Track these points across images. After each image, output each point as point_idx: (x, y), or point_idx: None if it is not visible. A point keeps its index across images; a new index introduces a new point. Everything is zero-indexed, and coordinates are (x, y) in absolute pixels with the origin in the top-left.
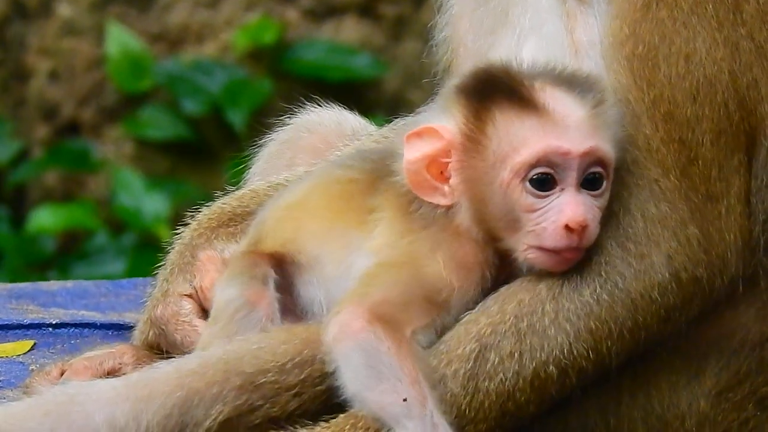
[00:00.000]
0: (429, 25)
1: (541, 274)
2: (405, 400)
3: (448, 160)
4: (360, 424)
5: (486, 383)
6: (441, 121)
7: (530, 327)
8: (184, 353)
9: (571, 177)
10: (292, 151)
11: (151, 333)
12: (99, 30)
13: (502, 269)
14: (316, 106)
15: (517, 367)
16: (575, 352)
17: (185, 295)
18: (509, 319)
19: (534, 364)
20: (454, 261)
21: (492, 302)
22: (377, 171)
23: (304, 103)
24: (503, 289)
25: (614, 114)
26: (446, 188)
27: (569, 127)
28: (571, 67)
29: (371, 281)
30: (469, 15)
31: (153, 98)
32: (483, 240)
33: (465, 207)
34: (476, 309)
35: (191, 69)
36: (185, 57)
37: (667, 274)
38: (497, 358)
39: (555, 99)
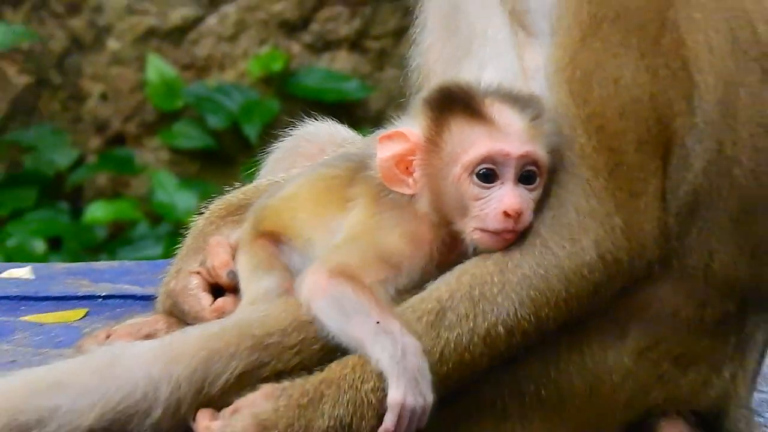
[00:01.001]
0: (406, 56)
1: (490, 254)
2: (378, 323)
3: (413, 157)
4: (348, 363)
5: (446, 334)
6: (409, 127)
7: (482, 294)
8: (193, 319)
9: (510, 173)
10: (293, 157)
11: (167, 303)
12: (141, 60)
13: (453, 248)
14: (315, 121)
15: (471, 325)
16: (519, 316)
17: (194, 272)
18: (464, 287)
19: (486, 325)
20: (410, 235)
21: (449, 275)
22: (355, 168)
23: (306, 119)
24: (459, 266)
25: (550, 126)
26: (410, 180)
27: (510, 134)
28: (520, 88)
29: (334, 251)
30: (438, 47)
31: (184, 115)
32: (438, 223)
33: (425, 196)
34: (437, 281)
35: (215, 91)
36: (210, 82)
37: (595, 256)
38: (455, 317)
39: (500, 112)
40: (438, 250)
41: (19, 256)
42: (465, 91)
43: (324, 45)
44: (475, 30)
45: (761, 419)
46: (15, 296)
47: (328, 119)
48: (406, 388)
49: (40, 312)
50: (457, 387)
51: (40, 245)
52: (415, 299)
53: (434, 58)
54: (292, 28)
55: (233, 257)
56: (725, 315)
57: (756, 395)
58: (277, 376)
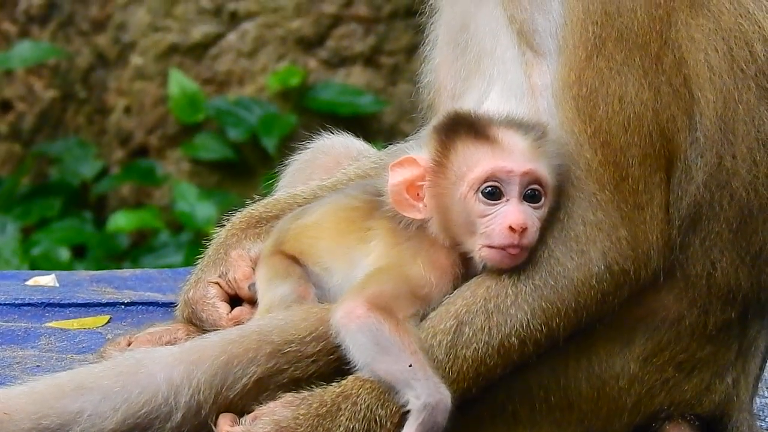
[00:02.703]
0: (418, 72)
1: (503, 269)
2: (410, 366)
3: (422, 183)
4: (366, 384)
5: (463, 351)
6: (418, 153)
7: (496, 307)
8: (210, 327)
9: (514, 191)
10: (310, 169)
11: (186, 311)
12: (163, 75)
13: (467, 270)
14: (330, 134)
15: (487, 338)
16: (531, 326)
17: (213, 282)
18: (480, 301)
19: (500, 336)
20: (431, 263)
21: (466, 288)
22: (373, 200)
23: (322, 132)
24: (475, 279)
25: (554, 148)
26: (420, 206)
27: (513, 153)
28: (527, 107)
29: (368, 280)
30: (448, 65)
31: (205, 128)
32: (449, 245)
33: (434, 219)
34: (454, 294)
35: (235, 105)
36: (230, 96)
37: (602, 266)
38: (471, 332)
39: (504, 133)
40: (458, 273)
41: (45, 263)
42: (471, 115)
43: (339, 61)
44: (484, 48)
45: (763, 423)
46: (40, 303)
47: (343, 132)
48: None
49: (64, 318)
50: (471, 396)
51: (64, 253)
52: (434, 319)
53: (444, 74)
54: (309, 44)
55: (254, 271)
56: (727, 322)
57: (758, 400)
58: (295, 383)
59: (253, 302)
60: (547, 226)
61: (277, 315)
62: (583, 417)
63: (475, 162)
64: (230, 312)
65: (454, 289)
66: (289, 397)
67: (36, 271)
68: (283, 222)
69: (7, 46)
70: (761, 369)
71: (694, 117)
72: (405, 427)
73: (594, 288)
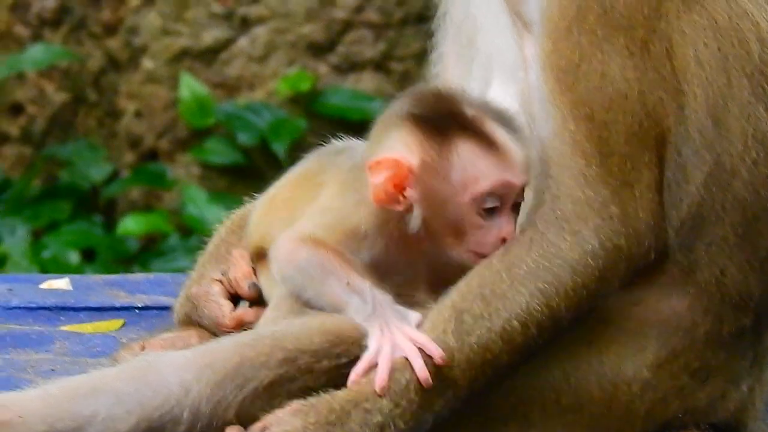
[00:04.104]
0: (428, 78)
1: (494, 255)
2: (348, 283)
3: (406, 180)
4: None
5: (468, 338)
6: (399, 151)
7: (492, 292)
8: (211, 325)
9: (509, 202)
10: None
11: (186, 307)
12: (174, 79)
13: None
14: (339, 139)
15: (488, 324)
16: (531, 308)
17: (216, 279)
18: (475, 289)
19: (501, 321)
20: (373, 215)
21: (460, 283)
22: (325, 158)
23: (331, 138)
24: (468, 273)
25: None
26: (401, 198)
27: (515, 164)
28: (521, 79)
29: (302, 222)
30: (454, 55)
31: (215, 132)
32: (425, 235)
33: (417, 213)
34: (450, 291)
35: (245, 110)
36: (240, 100)
37: (596, 244)
38: (471, 319)
39: (505, 140)
40: (396, 232)
41: (54, 266)
42: (455, 111)
43: (350, 66)
44: (480, 21)
45: None
46: (54, 306)
47: (352, 137)
48: (381, 341)
49: (78, 322)
50: (483, 388)
51: (74, 256)
52: (431, 314)
53: (452, 64)
54: (319, 49)
55: (254, 270)
56: (741, 329)
57: None
58: (306, 391)
59: (253, 301)
60: (534, 209)
61: (293, 321)
62: (595, 421)
63: (482, 172)
64: (233, 310)
65: (388, 250)
66: (296, 404)
67: (50, 275)
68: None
69: (20, 49)
70: None
71: (685, 109)
72: (366, 352)
73: (590, 266)
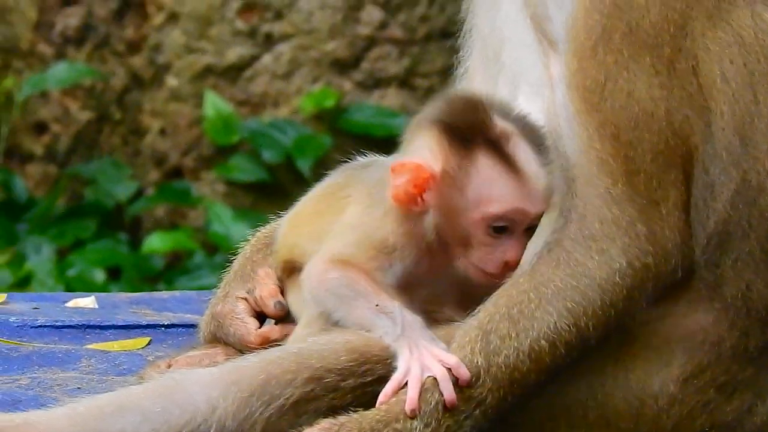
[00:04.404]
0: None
1: (522, 274)
2: (377, 305)
3: (426, 185)
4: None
5: (495, 358)
6: (423, 157)
7: (520, 312)
8: (237, 343)
9: (521, 227)
10: None
11: (212, 325)
12: (198, 96)
13: (434, 243)
14: (365, 156)
15: (516, 344)
16: (559, 327)
17: (241, 298)
18: (502, 309)
19: (528, 341)
20: (400, 227)
21: (487, 302)
22: (350, 173)
23: (356, 154)
24: (495, 292)
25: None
26: (419, 200)
27: (534, 192)
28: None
29: (330, 241)
30: (480, 71)
31: (240, 149)
32: (437, 241)
33: (432, 218)
34: (476, 310)
35: (269, 127)
36: (265, 117)
37: (624, 263)
38: (498, 339)
39: (528, 162)
40: (423, 244)
41: (80, 285)
42: (483, 122)
43: (374, 83)
44: (506, 37)
45: None
46: (80, 325)
47: (377, 154)
48: (410, 362)
49: (104, 340)
50: (511, 406)
51: (99, 275)
52: (458, 334)
53: (479, 80)
54: (343, 66)
55: (281, 288)
56: (767, 343)
57: None
58: (333, 409)
59: (279, 320)
60: (561, 228)
61: (319, 339)
62: None
63: (497, 195)
64: (258, 328)
65: (417, 261)
66: (325, 423)
67: (76, 293)
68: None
69: (43, 67)
70: None
71: (712, 126)
72: (395, 373)
73: (618, 284)
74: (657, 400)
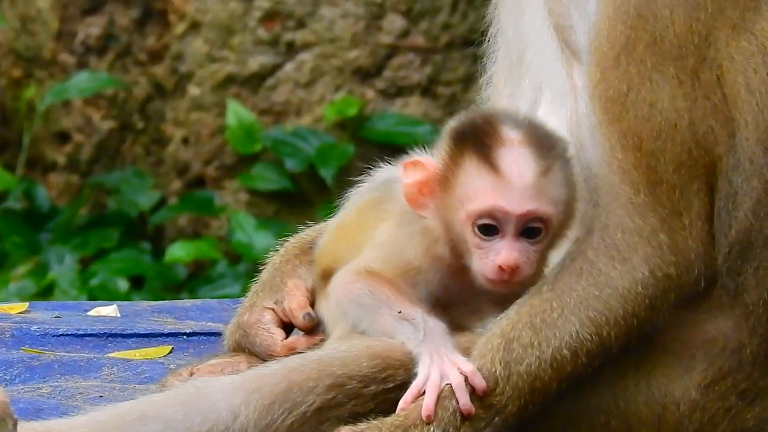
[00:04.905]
0: (475, 102)
1: (545, 283)
2: (399, 311)
3: (427, 186)
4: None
5: (517, 367)
6: (428, 157)
7: (543, 321)
8: (263, 353)
9: (510, 229)
10: None
11: (237, 334)
12: (220, 106)
13: (458, 263)
14: (388, 165)
15: (538, 353)
16: (581, 337)
17: (268, 308)
18: (525, 317)
19: (551, 350)
20: (425, 249)
21: (510, 310)
22: (389, 187)
23: (379, 163)
24: (517, 300)
25: (567, 173)
26: (425, 203)
27: (515, 189)
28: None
29: (364, 254)
30: (504, 77)
31: (262, 158)
32: (449, 247)
33: (437, 223)
34: (498, 318)
35: (292, 135)
36: (287, 126)
37: (646, 272)
38: (520, 348)
39: (513, 160)
40: (447, 267)
41: (103, 294)
42: (485, 128)
43: (396, 91)
44: (531, 46)
45: None
46: (102, 333)
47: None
48: (430, 367)
49: (126, 349)
50: (531, 415)
51: (123, 284)
52: (480, 342)
53: (501, 84)
54: (366, 74)
55: (310, 300)
56: None
57: None
58: (355, 416)
59: (307, 332)
60: (584, 238)
61: (340, 346)
62: None
63: (474, 192)
64: (285, 339)
65: (445, 284)
66: (346, 430)
67: (98, 302)
68: (316, 245)
69: (65, 77)
70: None
71: (735, 137)
72: (416, 379)
73: (641, 294)
74: (679, 407)
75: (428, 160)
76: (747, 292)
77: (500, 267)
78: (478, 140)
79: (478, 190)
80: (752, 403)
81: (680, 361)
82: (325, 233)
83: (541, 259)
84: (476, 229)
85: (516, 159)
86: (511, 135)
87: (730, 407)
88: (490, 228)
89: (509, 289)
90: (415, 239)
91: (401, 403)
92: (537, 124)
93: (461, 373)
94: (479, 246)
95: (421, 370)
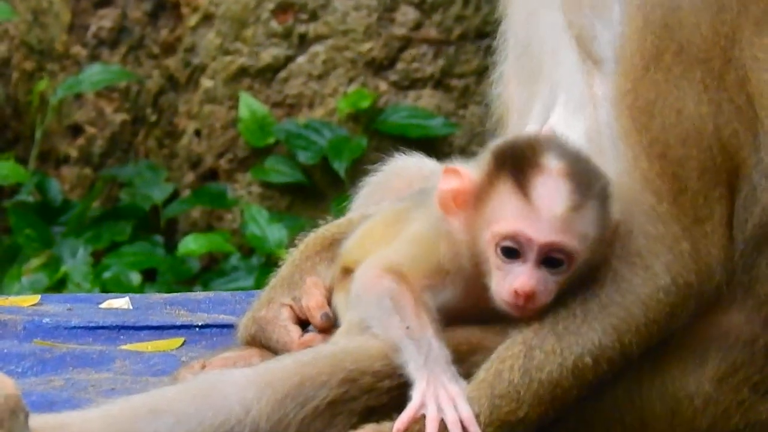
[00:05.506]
0: (488, 94)
1: (568, 290)
2: (408, 328)
3: (462, 195)
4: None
5: (537, 374)
6: (471, 169)
7: (566, 328)
8: (278, 349)
9: (532, 256)
10: (382, 191)
11: (253, 328)
12: (233, 98)
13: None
14: (403, 155)
15: (560, 360)
16: (603, 344)
17: (286, 304)
18: (548, 325)
19: (573, 357)
20: (452, 253)
21: (532, 317)
22: (421, 197)
23: (392, 155)
24: (541, 308)
25: (602, 212)
26: (456, 211)
27: (542, 219)
28: (589, 117)
29: (389, 249)
30: (516, 76)
31: (275, 151)
32: (471, 261)
33: (464, 235)
34: (521, 324)
35: (305, 128)
36: (300, 119)
37: (668, 280)
38: (542, 355)
39: (546, 191)
40: (474, 277)
41: (116, 287)
42: (527, 153)
43: (410, 84)
44: (547, 56)
45: None
46: (114, 326)
47: (413, 154)
48: (425, 395)
49: (139, 341)
50: (552, 421)
51: (135, 277)
52: (500, 348)
53: (513, 86)
54: (379, 67)
55: (328, 299)
56: None
57: None
58: (370, 411)
59: (324, 331)
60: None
61: (352, 340)
62: None
63: (502, 215)
64: (301, 336)
65: (467, 293)
66: (369, 428)
67: (110, 294)
68: (344, 244)
69: (78, 69)
70: None
71: (759, 137)
72: (410, 403)
73: (662, 301)
74: (692, 400)
75: (467, 172)
76: (760, 285)
77: (516, 291)
78: (516, 164)
79: (507, 213)
80: (765, 396)
81: (694, 354)
82: (351, 238)
83: (561, 290)
84: (499, 251)
85: (549, 189)
86: (550, 164)
87: (743, 400)
88: (512, 251)
89: (524, 315)
90: (443, 242)
91: (397, 424)
92: (582, 158)
93: (459, 417)
94: (500, 267)
95: (416, 395)
